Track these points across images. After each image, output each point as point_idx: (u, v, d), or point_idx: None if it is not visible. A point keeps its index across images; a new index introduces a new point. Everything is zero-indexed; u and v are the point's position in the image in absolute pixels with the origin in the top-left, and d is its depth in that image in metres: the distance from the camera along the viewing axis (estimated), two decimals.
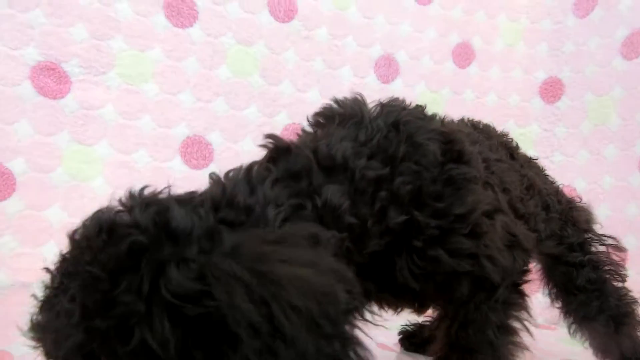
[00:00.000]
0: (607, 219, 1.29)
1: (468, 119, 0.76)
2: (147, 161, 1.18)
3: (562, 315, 0.79)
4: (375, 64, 1.37)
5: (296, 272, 0.34)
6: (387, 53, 1.38)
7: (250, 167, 0.47)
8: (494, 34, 1.51)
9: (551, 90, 1.49)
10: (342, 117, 0.53)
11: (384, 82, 1.37)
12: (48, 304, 0.38)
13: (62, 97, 1.11)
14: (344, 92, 0.62)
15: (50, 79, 1.10)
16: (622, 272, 0.78)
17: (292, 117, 1.29)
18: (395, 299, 0.56)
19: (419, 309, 0.60)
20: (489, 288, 0.53)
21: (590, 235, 0.79)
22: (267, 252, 0.36)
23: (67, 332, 0.34)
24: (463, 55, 1.47)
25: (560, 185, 1.40)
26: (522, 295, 0.56)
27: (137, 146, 1.17)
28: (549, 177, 0.83)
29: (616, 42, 1.34)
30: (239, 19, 1.24)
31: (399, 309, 0.60)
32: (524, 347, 0.56)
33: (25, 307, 0.40)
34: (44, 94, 1.10)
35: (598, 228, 0.82)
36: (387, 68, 1.38)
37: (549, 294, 0.79)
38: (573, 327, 0.78)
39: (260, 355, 0.31)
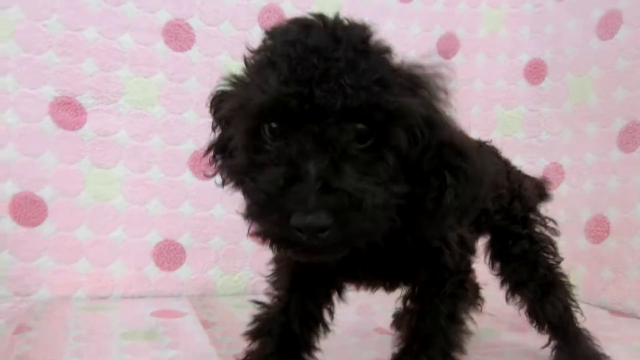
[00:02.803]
0: (590, 194, 1.39)
1: None
2: (160, 177, 1.30)
3: (500, 283, 0.88)
4: None
5: None
6: None
7: None
8: (477, 23, 1.58)
9: (535, 72, 1.56)
10: None
11: None
12: None
13: (80, 127, 1.23)
14: None
15: (68, 112, 1.22)
16: (555, 251, 0.87)
17: None
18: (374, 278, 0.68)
19: (390, 288, 0.72)
20: (440, 280, 0.64)
21: (534, 214, 0.88)
22: None
23: None
24: (448, 46, 1.54)
25: (548, 163, 1.49)
26: (466, 290, 0.67)
27: (150, 164, 1.29)
28: (501, 158, 0.89)
29: (592, 22, 1.40)
30: (232, 37, 1.33)
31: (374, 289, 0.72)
32: (470, 333, 0.67)
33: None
34: (63, 126, 1.22)
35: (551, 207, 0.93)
36: None
37: (489, 263, 0.88)
38: (508, 294, 0.87)
39: None
